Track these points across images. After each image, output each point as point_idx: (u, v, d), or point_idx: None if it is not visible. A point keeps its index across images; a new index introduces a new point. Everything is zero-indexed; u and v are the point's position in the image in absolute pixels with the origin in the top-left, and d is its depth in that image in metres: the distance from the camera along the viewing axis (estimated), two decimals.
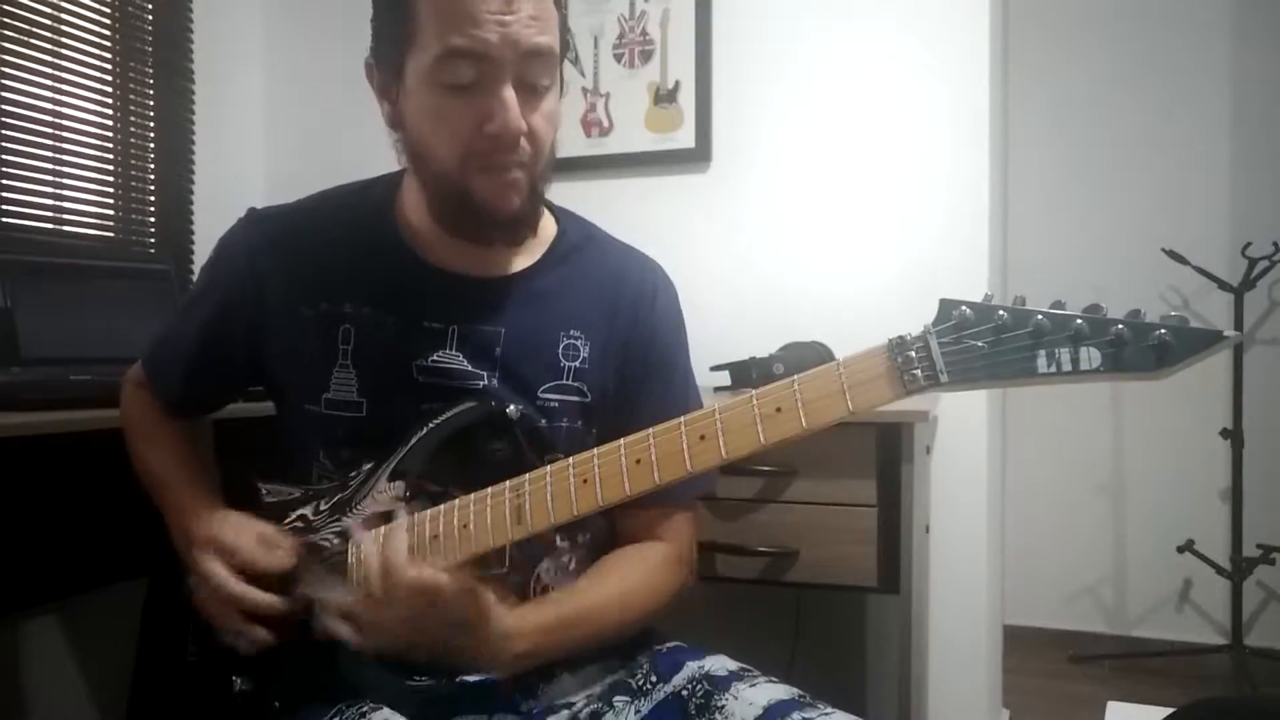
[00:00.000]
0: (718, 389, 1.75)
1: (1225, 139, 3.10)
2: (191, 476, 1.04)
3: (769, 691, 0.91)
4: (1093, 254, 3.24)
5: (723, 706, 0.90)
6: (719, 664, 0.96)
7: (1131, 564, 3.22)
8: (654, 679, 0.96)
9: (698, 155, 2.07)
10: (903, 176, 1.95)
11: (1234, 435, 2.80)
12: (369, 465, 0.95)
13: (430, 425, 0.93)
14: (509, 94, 0.88)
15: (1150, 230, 3.10)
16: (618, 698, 0.95)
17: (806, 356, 1.79)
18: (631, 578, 0.99)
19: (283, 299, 0.99)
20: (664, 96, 2.09)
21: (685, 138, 2.08)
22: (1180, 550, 2.93)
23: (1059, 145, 3.25)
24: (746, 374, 1.82)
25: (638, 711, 0.93)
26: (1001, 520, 2.34)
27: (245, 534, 0.93)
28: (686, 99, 2.07)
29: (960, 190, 1.92)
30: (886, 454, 1.44)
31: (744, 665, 0.97)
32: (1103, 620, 3.25)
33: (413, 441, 0.93)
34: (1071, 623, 3.25)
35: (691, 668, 0.96)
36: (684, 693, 0.93)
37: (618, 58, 2.13)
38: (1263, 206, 3.03)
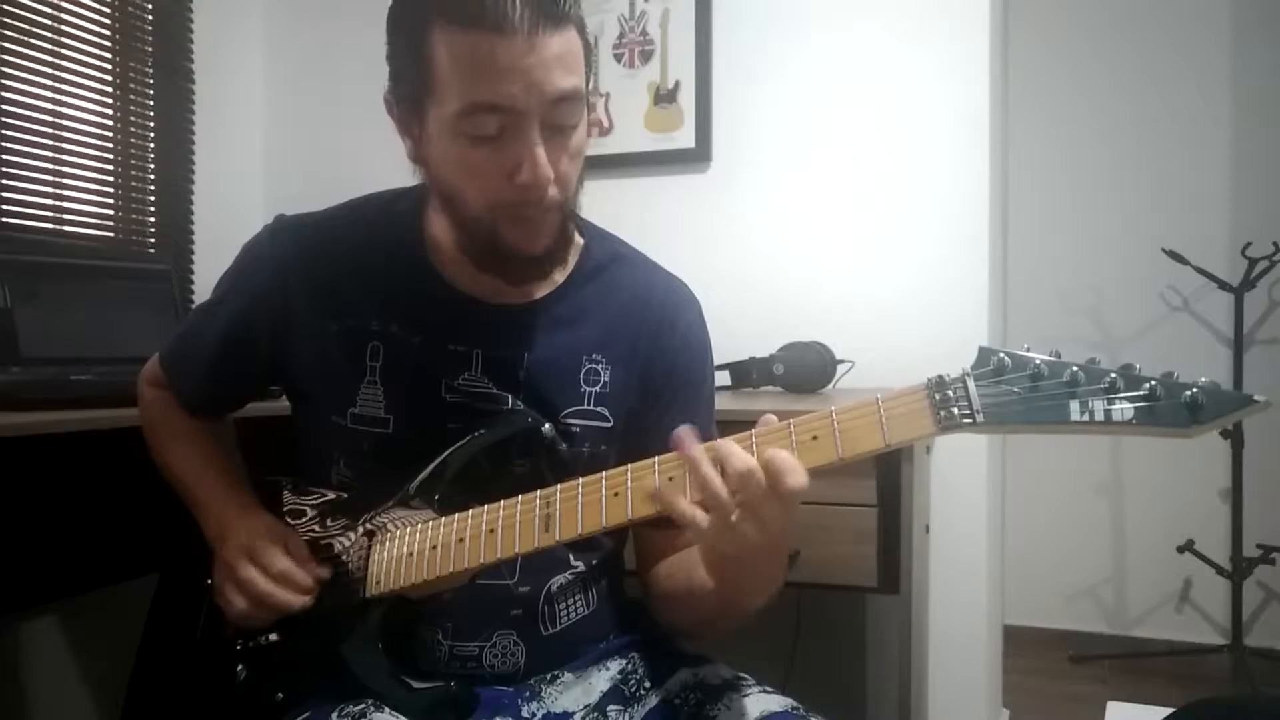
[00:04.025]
0: (718, 389, 1.75)
1: (1225, 139, 3.11)
2: (222, 473, 1.05)
3: (762, 702, 0.90)
4: (1093, 254, 3.24)
5: (714, 717, 0.89)
6: (713, 672, 0.96)
7: (1131, 564, 3.22)
8: (647, 684, 0.96)
9: (698, 155, 2.07)
10: (903, 176, 1.95)
11: (1234, 435, 2.79)
12: (396, 474, 0.95)
13: (472, 436, 0.94)
14: (537, 144, 0.85)
15: (1150, 230, 3.11)
16: (611, 707, 0.95)
17: (806, 357, 1.79)
18: None
19: (310, 310, 0.99)
20: (664, 96, 2.09)
21: (685, 138, 2.07)
22: (1180, 550, 2.93)
23: (1059, 145, 3.26)
24: (746, 374, 1.82)
25: (630, 719, 0.93)
26: (1001, 520, 2.34)
27: (277, 546, 0.94)
28: (686, 99, 2.07)
29: (960, 190, 1.92)
30: (887, 454, 1.44)
31: (739, 674, 0.96)
32: (1103, 620, 3.25)
33: (449, 451, 0.94)
34: (1071, 623, 3.25)
35: (685, 675, 0.96)
36: (676, 701, 0.93)
37: (618, 58, 2.13)
38: (1263, 206, 3.03)
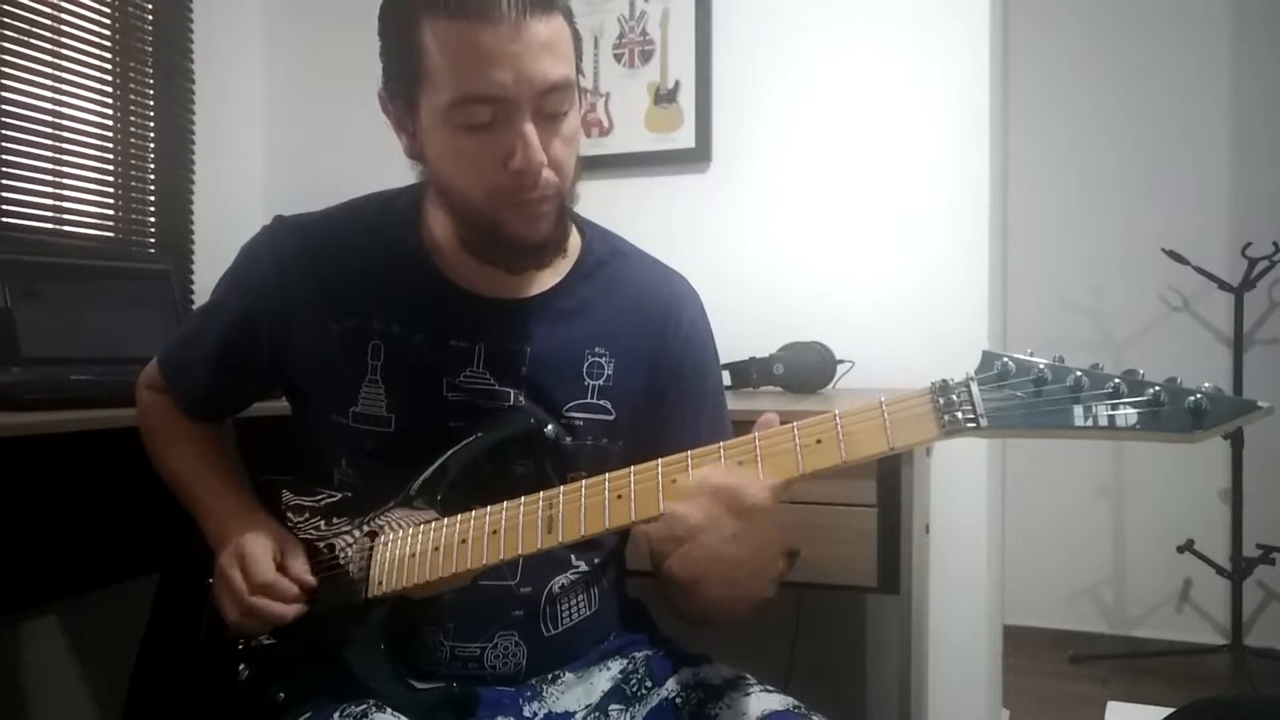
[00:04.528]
0: None
1: (1225, 139, 3.11)
2: (222, 476, 1.05)
3: (763, 701, 0.90)
4: (1093, 254, 3.24)
5: (716, 716, 0.89)
6: (714, 671, 0.96)
7: (1131, 564, 3.22)
8: (648, 683, 0.96)
9: (698, 155, 2.07)
10: (903, 176, 1.95)
11: (1234, 436, 2.80)
12: (398, 474, 0.95)
13: (474, 437, 0.94)
14: (529, 130, 0.86)
15: (1150, 230, 3.11)
16: (613, 706, 0.95)
17: (806, 357, 1.79)
18: None
19: (310, 310, 1.00)
20: (664, 96, 2.09)
21: (685, 138, 2.07)
22: (1180, 550, 2.93)
23: (1059, 144, 3.26)
24: (746, 374, 1.82)
25: (632, 718, 0.93)
26: (1001, 520, 2.34)
27: (267, 554, 0.93)
28: (686, 99, 2.07)
29: (960, 189, 1.92)
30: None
31: (740, 673, 0.97)
32: (1103, 620, 3.25)
33: (451, 452, 0.94)
34: (1071, 623, 3.25)
35: (686, 674, 0.96)
36: (677, 700, 0.93)
37: (618, 58, 2.13)
38: (1263, 206, 3.03)
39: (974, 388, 0.73)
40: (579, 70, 0.92)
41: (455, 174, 0.91)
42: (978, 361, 0.75)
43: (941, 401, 0.74)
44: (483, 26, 0.83)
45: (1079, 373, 0.71)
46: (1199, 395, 0.68)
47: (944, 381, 0.75)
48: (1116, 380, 0.70)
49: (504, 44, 0.83)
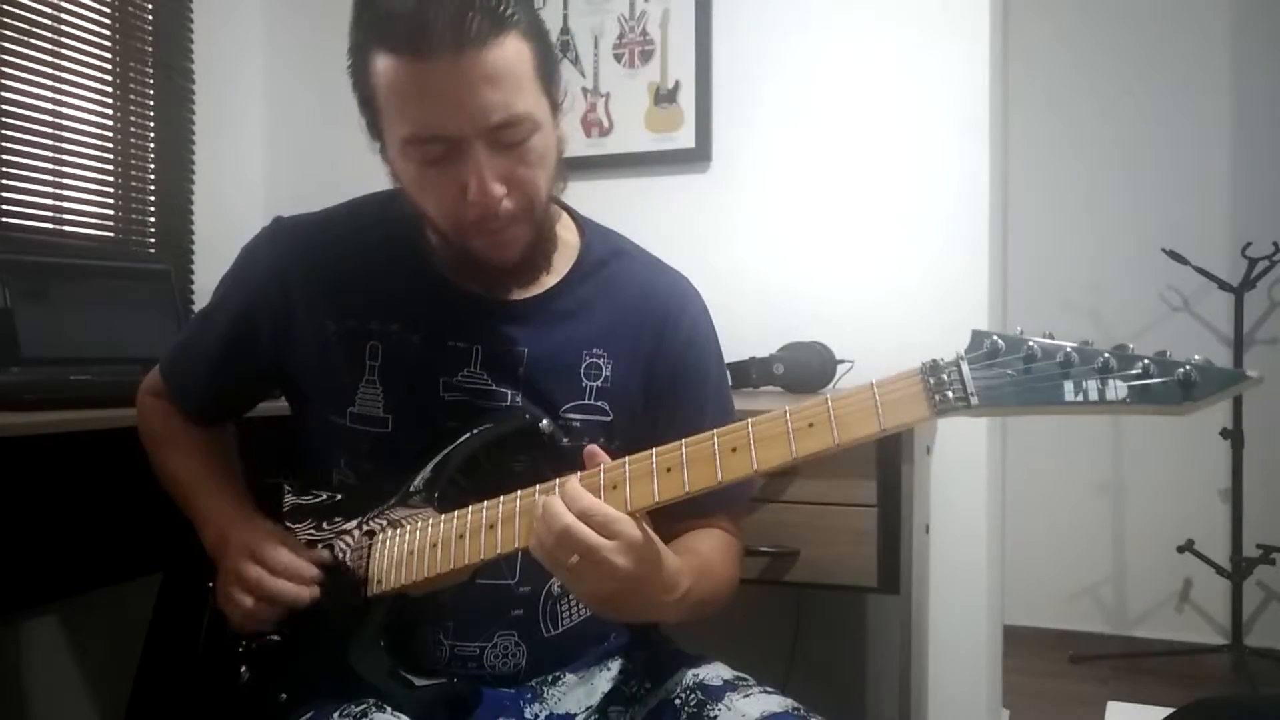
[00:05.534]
0: None
1: (1225, 139, 3.11)
2: (222, 481, 1.05)
3: (763, 703, 0.90)
4: (1093, 254, 3.24)
5: (715, 717, 0.89)
6: (714, 672, 0.96)
7: (1131, 564, 3.22)
8: (648, 684, 0.96)
9: (698, 155, 2.07)
10: (903, 176, 1.95)
11: (1234, 435, 2.80)
12: (395, 474, 0.95)
13: (471, 434, 0.94)
14: (480, 165, 0.85)
15: (1150, 230, 3.11)
16: (613, 708, 0.95)
17: (806, 356, 1.79)
18: (716, 553, 1.00)
19: (309, 311, 1.00)
20: (664, 96, 2.09)
21: (685, 138, 2.07)
22: (1180, 550, 2.94)
23: (1059, 144, 3.26)
24: (746, 374, 1.82)
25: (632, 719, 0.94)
26: (1001, 520, 2.34)
27: (277, 544, 0.94)
28: (686, 99, 2.07)
29: (960, 189, 1.92)
30: (886, 454, 1.44)
31: (740, 674, 0.97)
32: (1103, 620, 3.25)
33: (448, 449, 0.94)
34: (1071, 623, 3.25)
35: (686, 675, 0.96)
36: (676, 701, 0.93)
37: (618, 58, 2.13)
38: (1263, 206, 3.03)
39: (964, 366, 0.73)
40: (559, 79, 0.91)
41: (421, 200, 0.91)
42: (968, 340, 0.74)
43: (932, 381, 0.74)
44: (418, 64, 0.81)
45: (1069, 348, 0.71)
46: (1188, 367, 0.67)
47: (934, 361, 0.75)
48: (1106, 354, 0.70)
49: (441, 82, 0.81)
